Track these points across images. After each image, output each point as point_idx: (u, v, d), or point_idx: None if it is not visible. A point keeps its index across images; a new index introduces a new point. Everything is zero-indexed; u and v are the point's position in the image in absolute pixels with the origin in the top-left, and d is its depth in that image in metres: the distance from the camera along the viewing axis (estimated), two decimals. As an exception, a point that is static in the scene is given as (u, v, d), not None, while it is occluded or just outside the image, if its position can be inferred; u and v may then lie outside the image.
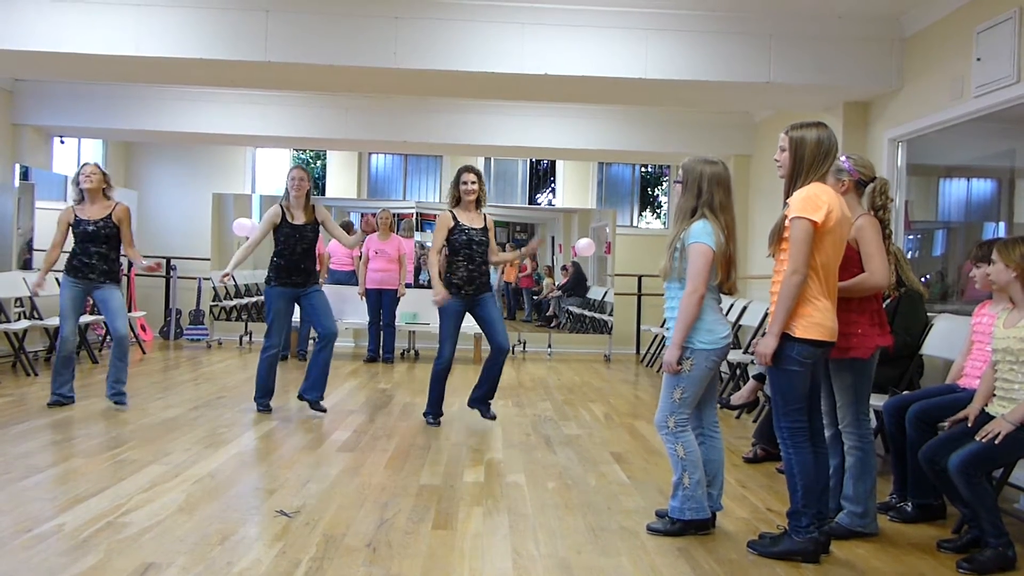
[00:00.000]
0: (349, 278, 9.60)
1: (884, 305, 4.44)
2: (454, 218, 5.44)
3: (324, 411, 5.76)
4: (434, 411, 5.63)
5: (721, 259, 3.33)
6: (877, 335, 3.41)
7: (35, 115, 8.79)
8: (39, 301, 7.91)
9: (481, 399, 5.66)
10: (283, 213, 5.65)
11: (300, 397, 5.82)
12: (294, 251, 5.64)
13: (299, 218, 5.66)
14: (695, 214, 3.34)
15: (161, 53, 6.03)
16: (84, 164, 5.76)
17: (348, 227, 8.86)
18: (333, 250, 9.39)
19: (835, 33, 6.09)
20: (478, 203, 5.52)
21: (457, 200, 5.48)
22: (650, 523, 3.48)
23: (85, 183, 5.63)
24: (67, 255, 5.77)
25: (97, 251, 5.62)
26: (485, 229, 5.52)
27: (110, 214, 5.67)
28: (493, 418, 5.66)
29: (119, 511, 3.44)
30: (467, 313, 5.54)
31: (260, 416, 5.70)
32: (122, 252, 5.82)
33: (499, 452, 4.88)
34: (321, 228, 5.82)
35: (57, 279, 8.15)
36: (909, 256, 5.92)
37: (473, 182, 5.46)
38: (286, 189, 5.72)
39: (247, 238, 10.15)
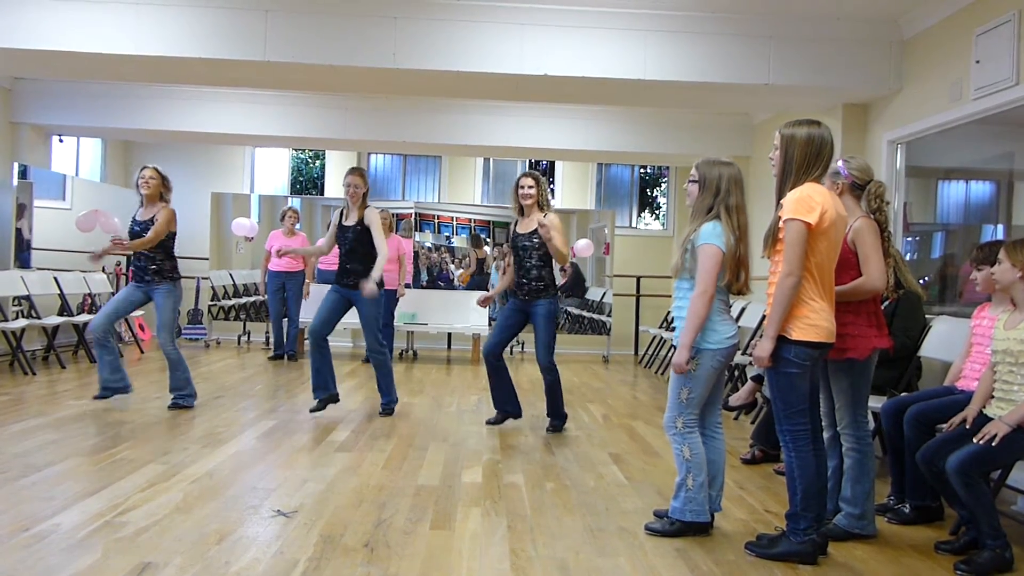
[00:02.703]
0: (326, 276, 9.65)
1: (883, 307, 4.46)
2: (514, 226, 5.54)
3: (390, 413, 5.91)
4: (496, 407, 5.66)
5: (731, 260, 3.32)
6: (874, 336, 3.40)
7: (34, 113, 8.79)
8: (37, 300, 7.90)
9: (548, 414, 5.63)
10: (341, 215, 5.82)
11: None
12: (341, 251, 5.81)
13: (351, 219, 5.75)
14: (711, 211, 3.35)
15: (160, 52, 6.03)
16: (143, 168, 5.78)
17: None
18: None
19: (834, 35, 6.10)
20: (541, 207, 5.43)
21: (522, 209, 5.47)
22: (648, 523, 3.48)
23: (143, 189, 5.71)
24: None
25: (142, 252, 5.69)
26: (536, 232, 5.31)
27: (153, 216, 5.72)
28: (554, 431, 5.56)
29: (117, 510, 3.44)
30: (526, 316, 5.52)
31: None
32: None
33: (497, 453, 4.88)
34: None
35: (56, 279, 8.13)
36: (908, 258, 5.92)
37: (530, 186, 5.38)
38: None
39: (246, 238, 10.22)
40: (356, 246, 5.73)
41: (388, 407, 5.92)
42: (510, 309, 5.53)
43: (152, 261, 5.70)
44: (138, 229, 5.69)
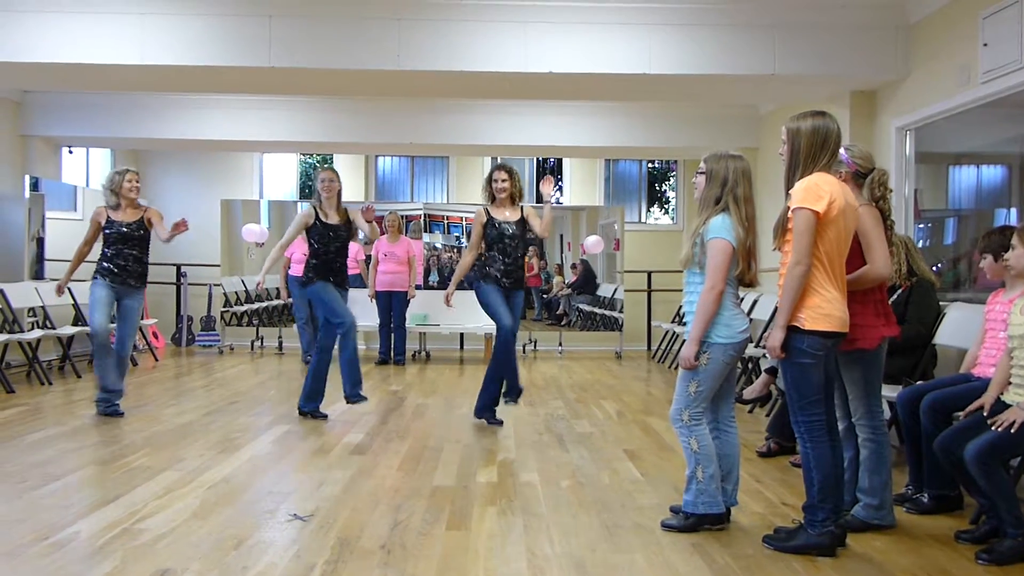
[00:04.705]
0: (351, 280, 9.64)
1: (896, 295, 4.43)
2: (487, 213, 5.50)
3: (364, 398, 5.78)
4: (512, 391, 5.54)
5: (741, 251, 3.32)
6: (882, 325, 3.38)
7: (43, 126, 8.85)
8: (51, 310, 7.96)
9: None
10: (316, 213, 5.67)
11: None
12: (328, 249, 5.67)
13: (332, 218, 5.69)
14: (719, 202, 3.34)
15: (165, 61, 6.06)
16: (127, 170, 5.73)
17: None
18: None
19: (839, 22, 6.05)
20: (513, 199, 5.52)
21: (493, 198, 5.53)
22: (664, 519, 3.47)
23: (131, 193, 5.68)
24: (95, 261, 5.79)
25: (131, 253, 5.67)
26: (521, 221, 5.51)
27: (142, 217, 5.72)
28: (500, 423, 5.58)
29: (134, 518, 3.46)
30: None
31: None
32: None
33: (512, 451, 4.87)
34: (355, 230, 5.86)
35: (70, 289, 8.18)
36: (920, 245, 5.87)
37: (504, 179, 5.47)
38: (317, 191, 5.72)
39: (256, 244, 10.25)
40: (345, 244, 5.75)
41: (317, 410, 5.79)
42: (498, 292, 5.46)
43: (140, 262, 5.70)
44: (128, 230, 5.63)
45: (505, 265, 5.47)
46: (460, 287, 5.86)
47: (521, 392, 5.62)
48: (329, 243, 5.67)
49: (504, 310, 5.42)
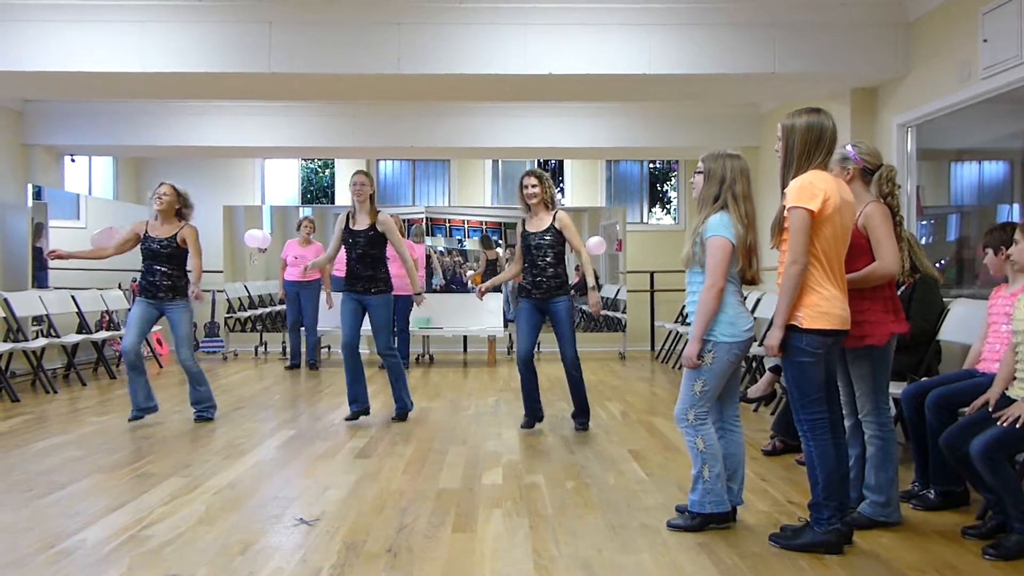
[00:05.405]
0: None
1: (899, 292, 4.42)
2: (523, 224, 5.44)
3: (404, 418, 5.84)
4: (527, 412, 5.52)
5: (741, 249, 3.32)
6: (892, 322, 3.37)
7: (45, 135, 8.88)
8: (56, 319, 7.98)
9: (574, 416, 5.61)
10: (347, 219, 5.68)
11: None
12: (349, 256, 5.67)
13: (361, 223, 5.65)
14: (718, 200, 3.34)
15: (166, 68, 6.07)
16: (160, 184, 5.75)
17: None
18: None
19: (839, 20, 6.05)
20: (546, 205, 5.39)
21: (528, 207, 5.42)
22: (670, 519, 3.47)
23: (157, 204, 5.67)
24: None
25: (160, 269, 5.67)
26: (550, 230, 5.33)
27: (176, 234, 5.69)
28: (582, 429, 5.54)
29: (141, 524, 3.46)
30: (544, 317, 5.50)
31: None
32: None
33: (517, 453, 4.87)
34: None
35: (74, 298, 8.20)
36: (923, 242, 5.87)
37: (534, 185, 5.35)
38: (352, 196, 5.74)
39: (259, 249, 10.27)
40: (368, 250, 5.66)
41: (402, 412, 5.89)
42: (528, 310, 5.44)
43: (168, 277, 5.68)
44: (158, 247, 5.64)
45: (532, 276, 5.38)
46: (459, 288, 5.80)
47: (539, 421, 5.56)
48: (350, 249, 5.64)
49: (525, 336, 5.43)
